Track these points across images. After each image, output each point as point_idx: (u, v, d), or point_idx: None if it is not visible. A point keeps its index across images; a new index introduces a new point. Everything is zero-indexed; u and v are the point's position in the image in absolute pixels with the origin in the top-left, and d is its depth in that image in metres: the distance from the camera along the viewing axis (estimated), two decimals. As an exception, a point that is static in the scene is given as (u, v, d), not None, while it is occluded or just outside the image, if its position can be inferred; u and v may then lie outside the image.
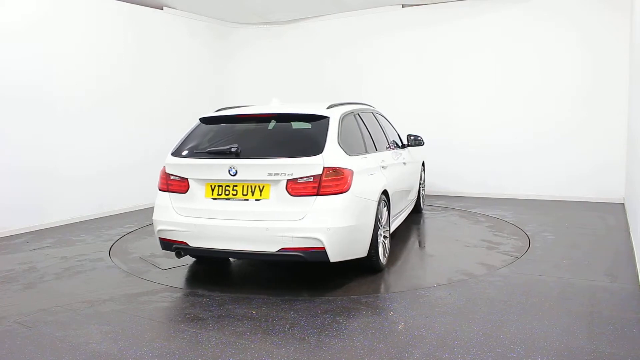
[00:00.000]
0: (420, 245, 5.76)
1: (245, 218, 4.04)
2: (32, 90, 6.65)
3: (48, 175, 6.86)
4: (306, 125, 4.46)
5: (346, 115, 4.67)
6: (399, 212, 5.61)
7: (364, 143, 4.81)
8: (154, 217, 4.43)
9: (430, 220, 6.95)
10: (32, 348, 3.19)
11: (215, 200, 4.17)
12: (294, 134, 4.49)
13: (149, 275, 4.70)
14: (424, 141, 6.59)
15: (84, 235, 6.36)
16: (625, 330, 3.22)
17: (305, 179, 3.95)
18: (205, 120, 4.71)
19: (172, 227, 4.26)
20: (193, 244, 4.20)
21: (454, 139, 8.77)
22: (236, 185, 4.12)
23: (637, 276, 4.25)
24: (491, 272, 4.52)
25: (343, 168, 4.05)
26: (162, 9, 8.61)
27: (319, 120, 4.36)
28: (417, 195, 6.93)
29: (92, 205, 7.44)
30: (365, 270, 4.54)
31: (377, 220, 4.40)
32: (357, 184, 4.13)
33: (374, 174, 4.59)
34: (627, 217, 6.52)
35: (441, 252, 5.30)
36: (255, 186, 4.07)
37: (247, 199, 4.09)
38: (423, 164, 7.39)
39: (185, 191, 4.27)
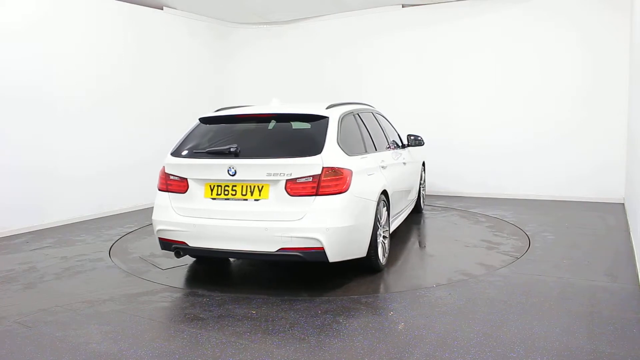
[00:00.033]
0: (420, 245, 5.76)
1: (245, 218, 4.04)
2: (32, 90, 6.65)
3: (48, 175, 6.86)
4: (305, 125, 4.46)
5: (346, 115, 4.67)
6: (399, 212, 5.61)
7: (364, 143, 4.81)
8: (153, 217, 4.43)
9: (431, 220, 6.95)
10: (32, 348, 3.19)
11: (214, 200, 4.17)
12: (293, 134, 4.49)
13: (149, 275, 4.70)
14: (424, 141, 6.59)
15: (84, 235, 6.36)
16: (625, 330, 3.21)
17: (304, 179, 3.95)
18: (204, 120, 4.71)
19: (171, 227, 4.26)
20: (192, 243, 4.21)
21: (454, 139, 8.76)
22: (235, 185, 4.12)
23: (637, 276, 4.25)
24: (491, 272, 4.52)
25: (342, 168, 4.05)
26: (162, 9, 8.61)
27: (318, 120, 4.36)
28: (417, 195, 6.93)
29: (92, 205, 7.45)
30: (364, 270, 4.54)
31: (377, 220, 4.39)
32: (356, 184, 4.13)
33: (374, 174, 4.59)
34: (627, 217, 6.51)
35: (441, 252, 5.30)
36: (254, 186, 4.07)
37: (246, 199, 4.09)
38: (423, 164, 7.39)
39: (185, 191, 4.27)
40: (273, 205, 4.01)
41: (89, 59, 7.39)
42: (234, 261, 5.16)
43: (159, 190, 4.46)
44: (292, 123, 4.55)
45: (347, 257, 4.12)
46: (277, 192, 4.00)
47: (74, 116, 7.18)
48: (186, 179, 4.27)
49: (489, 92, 8.53)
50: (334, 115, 4.43)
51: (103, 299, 4.05)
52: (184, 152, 4.41)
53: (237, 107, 5.17)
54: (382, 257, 4.59)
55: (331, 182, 3.96)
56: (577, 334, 3.18)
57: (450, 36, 8.71)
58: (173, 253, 4.43)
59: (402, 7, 9.00)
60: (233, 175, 4.07)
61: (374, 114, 5.75)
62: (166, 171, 4.40)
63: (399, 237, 5.86)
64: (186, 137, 4.59)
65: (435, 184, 8.85)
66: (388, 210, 4.85)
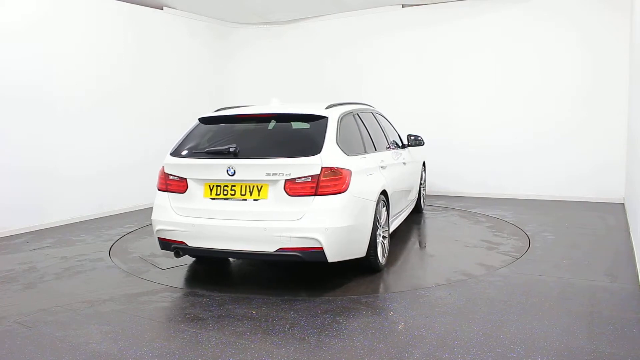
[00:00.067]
0: (420, 245, 5.75)
1: (244, 218, 4.04)
2: (32, 90, 6.65)
3: (48, 175, 6.86)
4: (305, 126, 4.46)
5: (345, 116, 4.67)
6: (399, 212, 5.61)
7: (363, 143, 4.81)
8: (152, 217, 4.43)
9: (431, 220, 6.95)
10: (32, 348, 3.19)
11: (213, 200, 4.17)
12: (292, 134, 4.49)
13: (148, 275, 4.70)
14: (424, 141, 6.59)
15: (84, 235, 6.36)
16: (625, 330, 3.21)
17: (303, 179, 3.95)
18: (204, 120, 4.71)
19: (170, 227, 4.26)
20: (191, 243, 4.21)
21: (454, 139, 8.76)
22: (234, 185, 4.12)
23: (637, 276, 4.25)
24: (491, 272, 4.52)
25: (341, 168, 4.05)
26: (162, 9, 8.61)
27: (317, 121, 4.36)
28: (417, 195, 6.93)
29: (92, 205, 7.45)
30: (364, 270, 4.54)
31: (376, 220, 4.39)
32: (356, 184, 4.13)
33: (373, 174, 4.59)
34: (627, 217, 6.51)
35: (441, 252, 5.30)
36: (253, 186, 4.07)
37: (246, 199, 4.09)
38: (424, 164, 7.39)
39: (184, 191, 4.27)
40: (272, 205, 4.01)
41: (89, 59, 7.39)
42: (233, 261, 5.16)
43: (159, 190, 4.47)
44: (292, 123, 4.55)
45: (346, 257, 4.12)
46: (276, 192, 4.00)
47: (74, 116, 7.18)
48: (185, 179, 4.27)
49: (489, 92, 8.53)
50: (333, 115, 4.43)
51: (103, 299, 4.05)
52: (184, 152, 4.41)
53: (236, 107, 5.17)
54: (381, 257, 4.59)
55: (330, 182, 3.96)
56: (577, 334, 3.18)
57: (450, 36, 8.71)
58: (172, 253, 4.43)
59: (402, 7, 9.00)
60: (232, 175, 4.07)
61: (374, 114, 5.74)
62: (165, 171, 4.41)
63: (399, 237, 5.86)
64: (185, 137, 4.59)
65: (435, 184, 8.85)
66: (388, 210, 4.84)
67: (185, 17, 9.03)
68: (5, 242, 6.02)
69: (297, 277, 4.60)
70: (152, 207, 4.51)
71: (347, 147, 4.33)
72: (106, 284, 4.48)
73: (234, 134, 4.48)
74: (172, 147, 4.57)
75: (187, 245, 4.23)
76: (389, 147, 5.61)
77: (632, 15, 6.89)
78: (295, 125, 4.53)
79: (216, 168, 4.14)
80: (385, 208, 4.75)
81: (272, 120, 4.58)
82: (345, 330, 3.34)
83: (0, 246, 5.85)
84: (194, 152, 4.36)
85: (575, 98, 7.95)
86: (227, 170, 4.07)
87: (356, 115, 5.01)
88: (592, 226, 6.22)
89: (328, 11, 9.42)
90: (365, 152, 4.72)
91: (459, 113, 8.74)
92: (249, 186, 4.08)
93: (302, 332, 3.33)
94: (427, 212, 7.40)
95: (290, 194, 3.96)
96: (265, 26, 10.15)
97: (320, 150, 4.04)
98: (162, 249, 4.48)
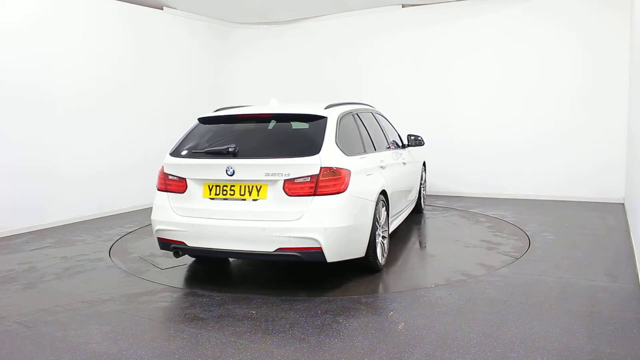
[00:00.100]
0: (420, 245, 5.75)
1: (243, 218, 4.04)
2: (32, 90, 6.65)
3: (48, 175, 6.86)
4: (304, 125, 4.46)
5: (344, 115, 4.66)
6: (399, 213, 5.60)
7: (363, 143, 4.81)
8: (152, 217, 4.43)
9: (431, 220, 6.95)
10: (32, 348, 3.19)
11: (213, 200, 4.17)
12: (291, 134, 4.49)
13: (148, 275, 4.70)
14: (424, 141, 6.58)
15: (84, 235, 6.36)
16: (625, 330, 3.21)
17: (302, 179, 3.95)
18: (203, 121, 4.71)
19: (170, 227, 4.26)
20: (191, 243, 4.21)
21: (454, 139, 8.76)
22: (234, 185, 4.12)
23: (637, 276, 4.25)
24: (491, 272, 4.52)
25: (340, 168, 4.05)
26: (162, 9, 8.62)
27: (316, 120, 4.36)
28: (417, 195, 6.93)
29: (92, 205, 7.45)
30: (363, 270, 4.53)
31: (375, 220, 4.39)
32: (355, 184, 4.12)
33: (372, 174, 4.59)
34: (627, 217, 6.51)
35: (441, 252, 5.30)
36: (252, 186, 4.07)
37: (245, 199, 4.09)
38: (424, 164, 7.39)
39: (184, 191, 4.27)
40: (271, 205, 4.01)
41: (89, 59, 7.39)
42: (233, 261, 5.16)
43: (158, 190, 4.47)
44: (291, 123, 4.54)
45: (345, 257, 4.12)
46: (275, 192, 4.00)
47: (74, 116, 7.18)
48: (185, 179, 4.27)
49: (489, 92, 8.53)
50: (332, 115, 4.43)
51: (103, 299, 4.05)
52: (183, 152, 4.41)
53: (236, 107, 5.17)
54: (381, 257, 4.59)
55: (329, 182, 3.96)
56: (577, 334, 3.18)
57: (450, 36, 8.71)
58: (172, 253, 4.43)
59: (402, 7, 9.00)
60: (231, 175, 4.07)
61: (374, 114, 5.74)
62: (165, 171, 4.41)
63: (399, 237, 5.86)
64: (185, 137, 4.59)
65: (435, 184, 8.85)
66: (387, 210, 4.84)
67: (185, 17, 9.03)
68: (5, 242, 6.02)
69: (296, 277, 4.60)
70: (151, 207, 4.51)
71: (347, 147, 4.33)
72: (106, 284, 4.48)
73: (234, 134, 4.48)
74: (171, 147, 4.57)
75: (186, 245, 4.23)
76: (389, 147, 5.61)
77: (632, 15, 6.89)
78: (295, 125, 4.53)
79: (215, 168, 4.14)
80: (384, 208, 4.75)
81: (272, 120, 4.58)
82: (345, 330, 3.34)
83: (0, 246, 5.85)
84: (194, 152, 4.36)
85: (575, 98, 7.95)
86: (227, 170, 4.07)
87: (356, 115, 5.01)
88: (592, 226, 6.22)
89: (328, 11, 9.42)
90: (365, 152, 4.72)
91: (459, 113, 8.74)
92: (248, 186, 4.08)
93: (302, 332, 3.33)
94: (427, 212, 7.40)
95: (289, 194, 3.96)
96: (265, 26, 10.15)
97: (320, 150, 4.04)
98: (161, 249, 4.48)
